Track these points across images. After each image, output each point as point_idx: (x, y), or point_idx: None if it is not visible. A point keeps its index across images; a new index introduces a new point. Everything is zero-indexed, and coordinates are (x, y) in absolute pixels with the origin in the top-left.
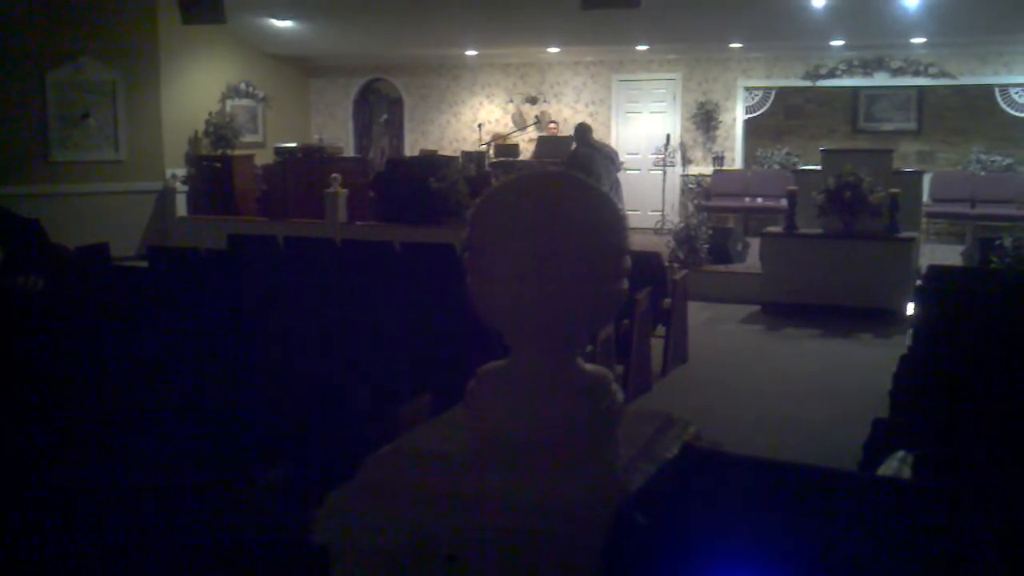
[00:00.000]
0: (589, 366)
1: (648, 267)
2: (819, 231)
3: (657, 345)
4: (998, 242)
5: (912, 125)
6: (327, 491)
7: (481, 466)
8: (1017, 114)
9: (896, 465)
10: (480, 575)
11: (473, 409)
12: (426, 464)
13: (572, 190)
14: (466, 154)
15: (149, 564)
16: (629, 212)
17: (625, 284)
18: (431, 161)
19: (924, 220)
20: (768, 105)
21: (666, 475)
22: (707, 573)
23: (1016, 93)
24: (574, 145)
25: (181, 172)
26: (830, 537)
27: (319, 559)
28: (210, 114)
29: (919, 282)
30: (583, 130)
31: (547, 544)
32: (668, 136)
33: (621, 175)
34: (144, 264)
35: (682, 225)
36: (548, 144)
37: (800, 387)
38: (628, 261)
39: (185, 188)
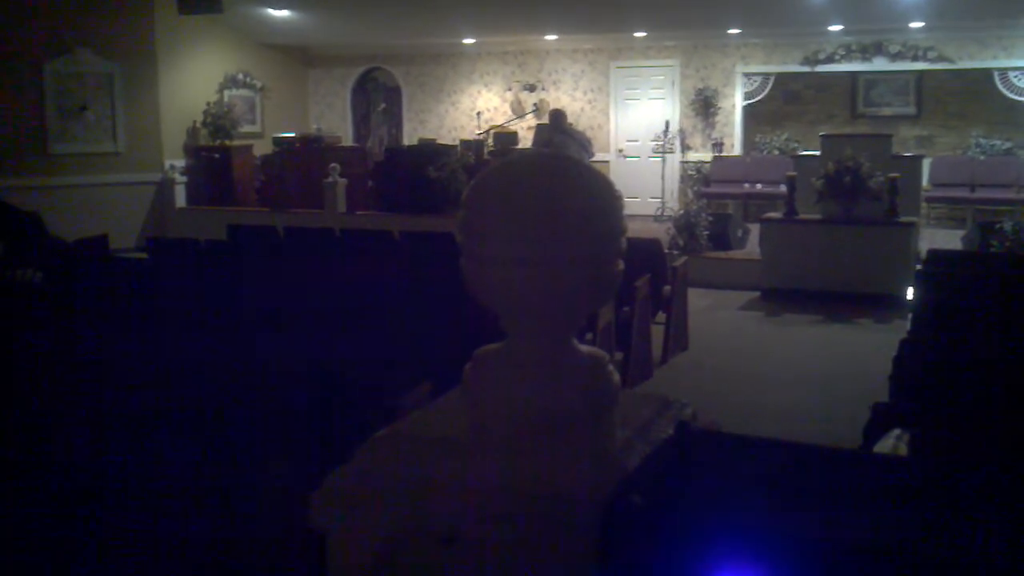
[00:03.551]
0: (585, 348)
1: (648, 254)
2: (819, 216)
3: (657, 332)
4: (998, 226)
5: (911, 110)
6: (324, 477)
7: (478, 449)
8: (1016, 98)
9: (892, 443)
10: (478, 558)
11: (470, 392)
12: (423, 448)
13: (567, 171)
14: (465, 143)
15: (148, 560)
16: (628, 199)
17: (621, 266)
18: (430, 150)
19: (924, 205)
20: (767, 91)
21: (662, 455)
22: (704, 553)
23: (1015, 76)
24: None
25: (180, 163)
26: (825, 514)
27: (316, 544)
28: (208, 105)
29: (919, 267)
30: (558, 116)
31: (544, 526)
32: (667, 123)
33: (621, 162)
34: (143, 256)
35: (682, 212)
36: (542, 132)
37: (800, 372)
38: (624, 242)
39: (184, 179)
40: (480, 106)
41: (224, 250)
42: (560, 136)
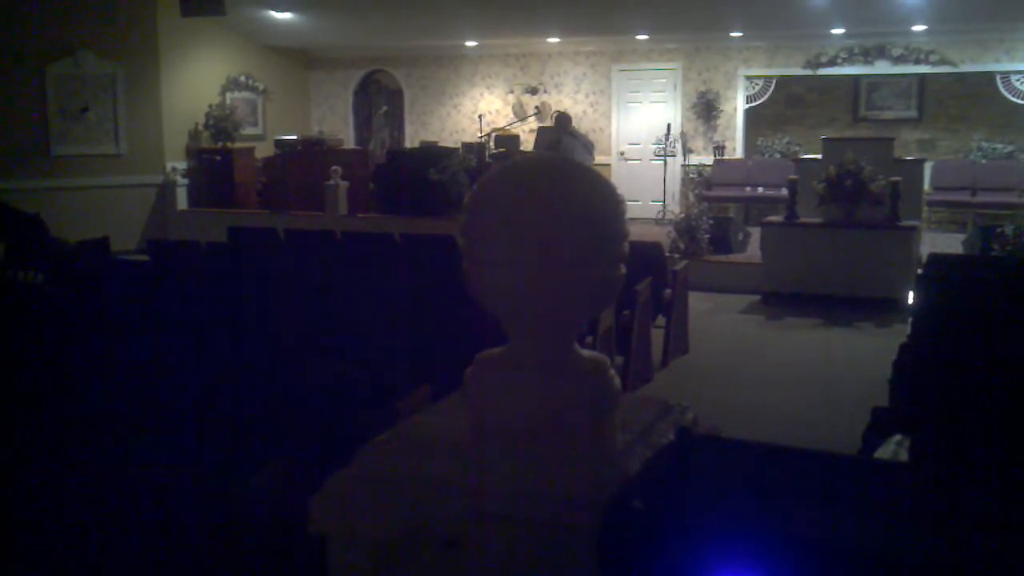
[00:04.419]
0: (586, 352)
1: (649, 257)
2: (820, 220)
3: (658, 336)
4: (999, 230)
5: (913, 113)
6: (325, 480)
7: (479, 452)
8: (1018, 101)
9: (893, 448)
10: (478, 561)
11: (471, 395)
12: (424, 450)
13: (569, 175)
14: (466, 145)
15: (147, 563)
16: (629, 203)
17: (623, 270)
18: (431, 152)
19: (925, 209)
20: (769, 94)
21: (662, 460)
22: (703, 557)
23: (1017, 80)
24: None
25: (181, 165)
26: (824, 519)
27: (316, 547)
28: (210, 107)
29: (920, 271)
30: (564, 119)
31: (545, 530)
32: (669, 126)
33: (622, 165)
34: (145, 257)
35: (683, 215)
36: (546, 134)
37: (801, 376)
38: (626, 246)
39: (185, 181)
40: (482, 109)
41: (225, 252)
42: (567, 138)
